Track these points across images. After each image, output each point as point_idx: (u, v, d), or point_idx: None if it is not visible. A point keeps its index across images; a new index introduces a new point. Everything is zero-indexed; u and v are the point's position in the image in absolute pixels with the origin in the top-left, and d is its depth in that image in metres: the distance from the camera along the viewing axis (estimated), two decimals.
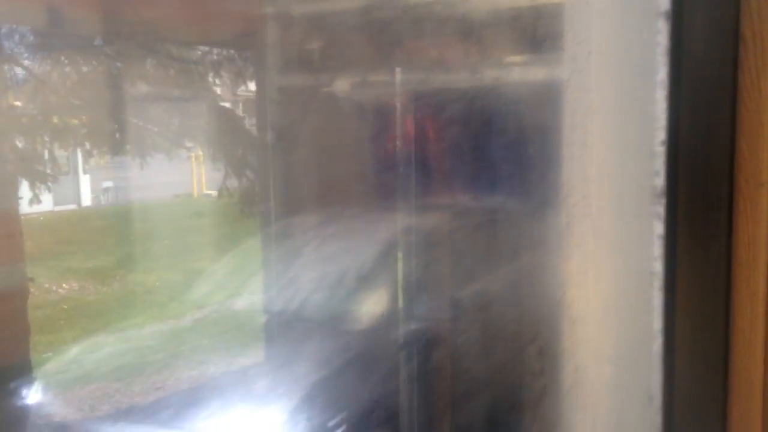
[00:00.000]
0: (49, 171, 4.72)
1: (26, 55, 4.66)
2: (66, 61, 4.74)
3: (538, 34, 1.25)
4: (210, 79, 4.82)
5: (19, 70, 4.52)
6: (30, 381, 3.68)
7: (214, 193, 9.07)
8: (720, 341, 0.83)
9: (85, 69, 4.82)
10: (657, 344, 0.85)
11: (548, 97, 0.97)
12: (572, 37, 0.87)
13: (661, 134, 0.80)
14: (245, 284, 4.31)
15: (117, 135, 5.03)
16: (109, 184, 8.87)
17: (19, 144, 4.58)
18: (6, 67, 4.46)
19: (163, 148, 5.20)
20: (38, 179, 4.59)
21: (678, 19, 0.77)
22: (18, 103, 4.59)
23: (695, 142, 0.79)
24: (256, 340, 3.63)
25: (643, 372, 0.86)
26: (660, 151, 0.80)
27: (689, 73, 0.77)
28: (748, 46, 0.76)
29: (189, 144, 6.25)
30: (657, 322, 0.84)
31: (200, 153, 9.14)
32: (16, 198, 4.51)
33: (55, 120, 4.85)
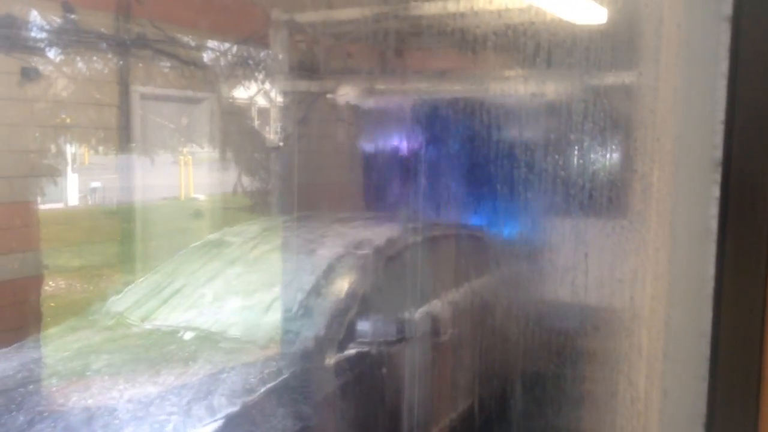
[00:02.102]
0: (57, 166, 4.82)
1: (38, 50, 4.76)
2: (78, 58, 4.86)
3: (614, 44, 1.44)
4: (221, 81, 4.95)
5: (31, 65, 4.62)
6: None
7: (201, 197, 9.17)
8: (761, 287, 1.01)
9: (96, 66, 4.94)
10: (708, 289, 1.03)
11: (626, 95, 1.16)
12: (645, 44, 1.07)
13: (720, 115, 0.99)
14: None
15: (125, 132, 5.14)
16: (97, 184, 8.93)
17: (33, 139, 4.67)
18: (19, 61, 4.56)
19: (170, 147, 5.31)
20: (46, 174, 4.69)
21: (738, 21, 0.96)
22: (31, 98, 4.69)
23: (749, 122, 0.99)
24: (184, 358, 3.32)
25: (695, 312, 1.05)
26: (719, 128, 0.99)
27: (747, 66, 0.97)
28: None
29: (198, 144, 6.35)
30: (710, 270, 1.03)
31: (188, 157, 9.25)
32: (34, 190, 4.61)
33: (65, 116, 4.95)
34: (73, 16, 4.71)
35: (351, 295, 3.58)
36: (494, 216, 5.29)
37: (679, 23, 1.02)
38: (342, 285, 3.66)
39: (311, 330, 3.39)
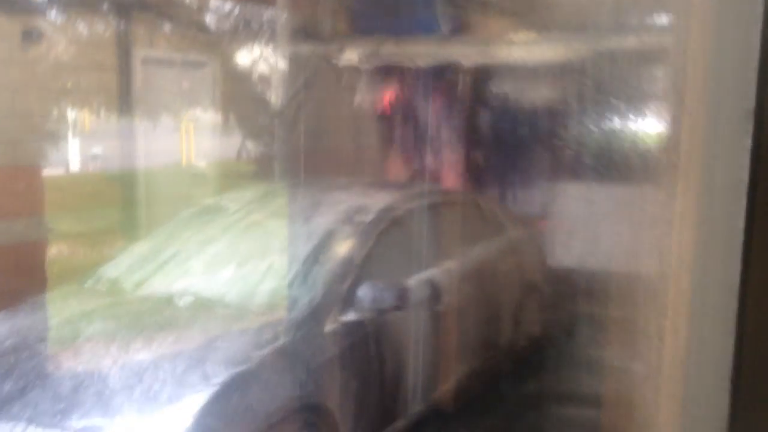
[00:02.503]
0: (58, 130, 4.78)
1: (39, 12, 4.70)
2: (79, 21, 4.80)
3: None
4: (224, 44, 4.90)
5: (33, 27, 4.57)
6: None
7: (204, 163, 9.13)
8: None
9: (97, 30, 4.88)
10: (738, 240, 1.02)
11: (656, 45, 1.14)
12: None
13: (754, 63, 0.97)
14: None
15: (126, 97, 5.09)
16: (98, 150, 8.87)
17: (35, 102, 4.63)
18: (20, 23, 4.50)
19: (172, 112, 5.27)
20: (48, 138, 4.66)
21: None
22: (32, 61, 4.64)
23: None
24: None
25: (724, 264, 1.04)
26: (753, 77, 0.98)
27: None
28: None
29: (201, 108, 6.30)
30: (740, 222, 1.02)
31: (190, 124, 9.19)
32: (37, 154, 4.58)
33: (66, 80, 4.90)
34: None
35: (349, 261, 3.54)
36: (505, 182, 5.28)
37: None
38: (340, 252, 3.63)
39: (308, 297, 3.35)
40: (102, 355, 3.00)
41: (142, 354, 3.00)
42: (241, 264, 3.66)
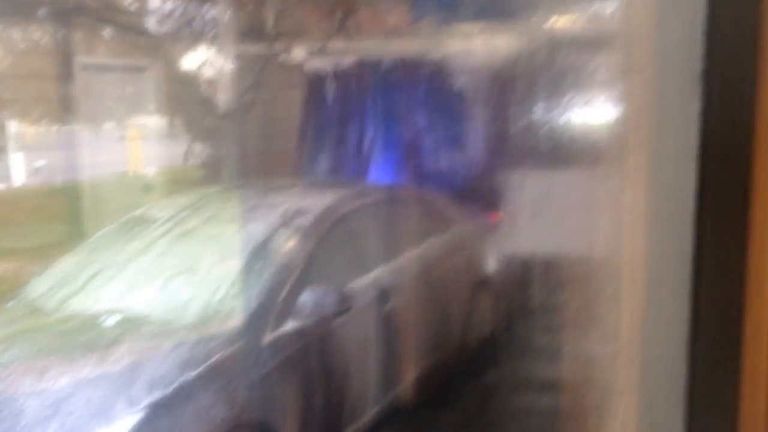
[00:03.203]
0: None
1: None
2: (14, 29, 4.63)
3: None
4: (166, 47, 4.79)
5: None
6: None
7: (152, 170, 8.95)
8: (743, 200, 0.98)
9: (34, 37, 4.72)
10: (689, 210, 1.00)
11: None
12: None
13: (699, 26, 0.95)
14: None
15: (67, 105, 4.94)
16: (41, 162, 8.63)
17: None
18: None
19: (115, 118, 5.13)
20: None
21: None
22: None
23: (729, 32, 0.94)
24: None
25: (675, 240, 1.01)
26: (699, 39, 0.95)
27: None
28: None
29: (146, 113, 6.16)
30: (690, 191, 0.99)
31: (136, 132, 9.00)
32: None
33: (3, 90, 4.73)
34: None
35: (288, 267, 3.38)
36: (447, 174, 5.26)
37: None
38: (277, 258, 3.47)
39: (243, 308, 3.19)
40: (17, 383, 2.79)
41: (62, 380, 2.78)
42: (170, 277, 3.47)
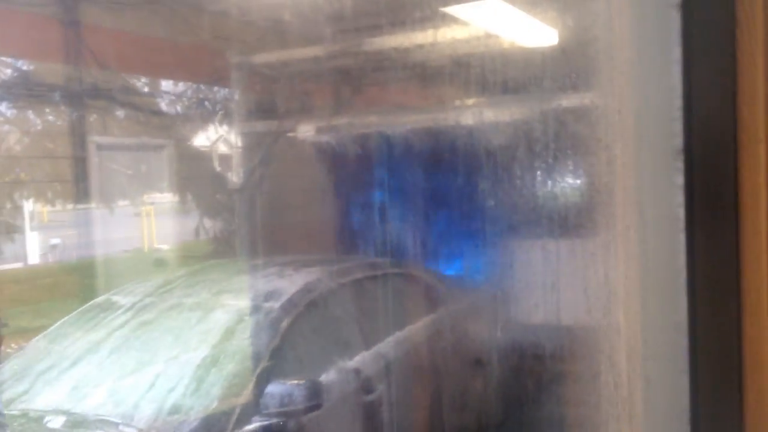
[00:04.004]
0: (14, 222, 4.71)
1: None
2: (30, 111, 4.78)
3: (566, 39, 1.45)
4: (179, 126, 4.91)
5: None
6: None
7: (165, 246, 9.04)
8: (733, 267, 1.00)
9: (49, 119, 4.87)
10: (681, 279, 1.02)
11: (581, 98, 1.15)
12: (597, 46, 1.07)
13: (678, 102, 0.99)
14: None
15: (82, 184, 5.05)
16: (57, 240, 8.75)
17: None
18: None
19: (129, 195, 5.23)
20: (3, 232, 4.57)
21: (688, 9, 0.97)
22: None
23: (706, 107, 0.98)
24: None
25: (670, 305, 1.03)
26: (678, 115, 0.99)
27: (698, 52, 0.97)
28: (743, 28, 0.96)
29: (159, 190, 6.26)
30: (681, 260, 1.02)
31: (150, 208, 9.14)
32: None
33: (20, 171, 4.86)
34: (23, 69, 4.65)
35: (254, 358, 3.11)
36: (449, 248, 5.22)
37: (630, 13, 1.02)
38: (243, 347, 3.21)
39: (203, 405, 2.92)
40: None
41: None
42: (123, 374, 3.21)
